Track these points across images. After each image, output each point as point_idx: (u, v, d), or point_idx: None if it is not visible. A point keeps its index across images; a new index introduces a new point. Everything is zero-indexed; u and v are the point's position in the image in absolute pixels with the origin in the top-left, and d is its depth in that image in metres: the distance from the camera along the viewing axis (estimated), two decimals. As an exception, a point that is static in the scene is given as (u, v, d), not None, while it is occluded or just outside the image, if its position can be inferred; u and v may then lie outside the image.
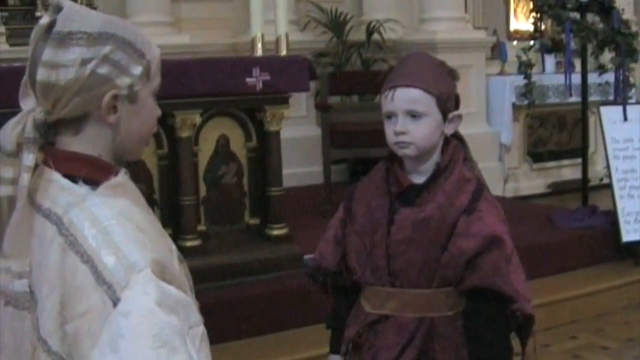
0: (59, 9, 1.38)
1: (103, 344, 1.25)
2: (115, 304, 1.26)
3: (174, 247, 1.42)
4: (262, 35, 4.75)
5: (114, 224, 1.32)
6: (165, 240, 1.40)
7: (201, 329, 1.34)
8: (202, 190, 4.40)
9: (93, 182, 1.37)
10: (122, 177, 1.41)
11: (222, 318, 3.92)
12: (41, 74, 1.36)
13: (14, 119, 1.37)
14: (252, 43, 4.78)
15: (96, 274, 1.28)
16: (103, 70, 1.37)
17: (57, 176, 1.38)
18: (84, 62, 1.35)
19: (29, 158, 1.34)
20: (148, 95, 1.46)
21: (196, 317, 1.34)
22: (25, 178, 1.33)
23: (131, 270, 1.28)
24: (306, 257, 4.22)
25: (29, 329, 1.32)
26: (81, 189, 1.36)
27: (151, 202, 4.10)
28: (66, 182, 1.37)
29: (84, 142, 1.40)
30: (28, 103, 1.41)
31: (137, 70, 1.41)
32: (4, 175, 1.35)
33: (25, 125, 1.35)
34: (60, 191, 1.36)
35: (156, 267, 1.30)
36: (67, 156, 1.40)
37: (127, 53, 1.40)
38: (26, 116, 1.36)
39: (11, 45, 6.31)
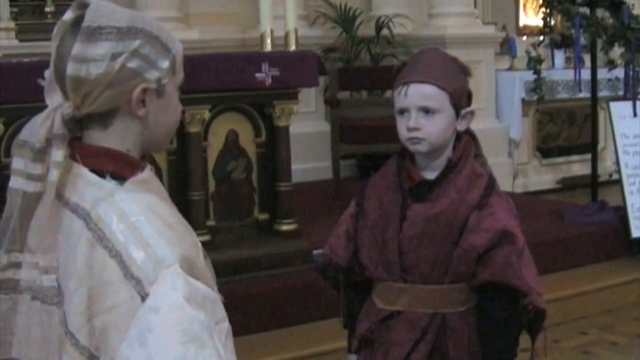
0: (83, 5, 1.38)
1: (131, 338, 1.25)
2: (143, 299, 1.27)
3: (199, 243, 1.42)
4: (272, 31, 4.74)
5: (142, 219, 1.32)
6: (192, 236, 1.41)
7: (227, 324, 1.36)
8: (211, 185, 4.40)
9: (120, 177, 1.37)
10: (148, 173, 1.42)
11: (230, 313, 3.86)
12: (71, 69, 1.36)
13: (41, 115, 1.36)
14: (261, 38, 4.77)
15: (124, 269, 1.28)
16: (133, 64, 1.38)
17: (84, 171, 1.38)
18: (114, 57, 1.36)
19: (58, 154, 1.34)
20: (174, 90, 1.48)
21: (222, 312, 1.36)
22: (55, 174, 1.33)
23: (160, 266, 1.28)
24: (315, 252, 4.22)
25: (57, 324, 1.32)
26: (109, 183, 1.36)
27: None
28: (94, 177, 1.37)
29: (112, 137, 1.41)
30: (54, 99, 1.41)
31: (165, 64, 1.43)
32: (32, 172, 1.34)
33: (54, 121, 1.35)
34: (88, 186, 1.36)
35: (184, 263, 1.31)
36: (95, 151, 1.40)
37: (155, 47, 1.41)
38: (53, 112, 1.36)
39: (21, 40, 6.32)
